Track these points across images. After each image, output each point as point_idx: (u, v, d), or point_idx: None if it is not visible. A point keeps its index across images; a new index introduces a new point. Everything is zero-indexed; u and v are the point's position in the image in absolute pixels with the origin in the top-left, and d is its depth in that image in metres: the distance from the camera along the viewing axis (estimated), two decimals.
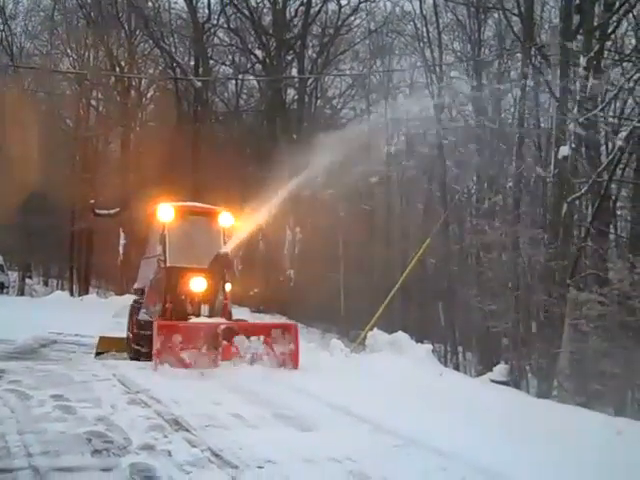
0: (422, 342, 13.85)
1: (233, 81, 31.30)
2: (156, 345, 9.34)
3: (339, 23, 29.13)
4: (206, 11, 29.84)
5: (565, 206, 13.02)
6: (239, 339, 9.74)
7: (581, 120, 12.74)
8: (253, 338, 9.81)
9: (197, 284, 10.50)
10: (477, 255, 18.88)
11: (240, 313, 12.02)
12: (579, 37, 14.14)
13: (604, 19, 14.15)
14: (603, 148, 16.74)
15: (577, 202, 13.72)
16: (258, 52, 29.43)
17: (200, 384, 8.53)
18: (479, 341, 18.43)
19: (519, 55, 17.29)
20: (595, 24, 14.04)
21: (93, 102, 33.68)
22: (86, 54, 31.96)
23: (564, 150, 12.98)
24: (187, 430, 6.10)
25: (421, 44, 22.62)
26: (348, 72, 29.49)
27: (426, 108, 20.97)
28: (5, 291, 30.81)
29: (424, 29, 22.12)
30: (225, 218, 11.36)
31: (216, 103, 31.84)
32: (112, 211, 27.64)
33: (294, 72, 29.53)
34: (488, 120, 18.87)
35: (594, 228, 13.27)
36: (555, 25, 15.28)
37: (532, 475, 5.32)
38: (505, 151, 17.63)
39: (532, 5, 16.34)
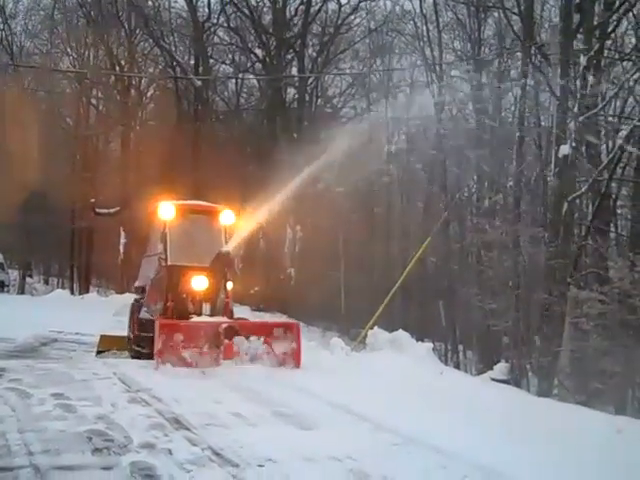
0: (423, 341, 13.85)
1: (233, 80, 31.31)
2: (157, 344, 9.33)
3: (339, 22, 29.13)
4: (206, 10, 29.89)
5: (565, 205, 13.02)
6: (238, 339, 9.73)
7: (581, 119, 12.74)
8: (253, 338, 9.80)
9: (198, 283, 10.48)
10: (477, 254, 18.89)
11: (240, 312, 12.02)
12: (579, 36, 14.14)
13: (604, 18, 14.15)
14: (603, 147, 16.75)
15: (577, 201, 13.73)
16: (258, 51, 29.44)
17: (201, 383, 8.54)
18: (480, 340, 18.43)
19: (519, 54, 17.27)
20: (595, 23, 14.04)
21: (93, 101, 33.72)
22: (86, 53, 31.98)
23: (564, 149, 12.97)
24: (188, 429, 6.10)
25: (421, 43, 22.63)
26: (348, 71, 29.48)
27: (426, 107, 20.97)
28: (5, 290, 30.78)
29: (424, 28, 22.15)
30: (226, 216, 11.34)
31: (216, 102, 31.84)
32: (112, 210, 27.67)
33: (294, 71, 29.54)
34: (488, 119, 18.87)
35: (594, 227, 13.27)
36: (555, 24, 15.24)
37: (532, 474, 5.32)
38: (505, 150, 17.62)
39: (532, 4, 16.32)
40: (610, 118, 16.25)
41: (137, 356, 11.08)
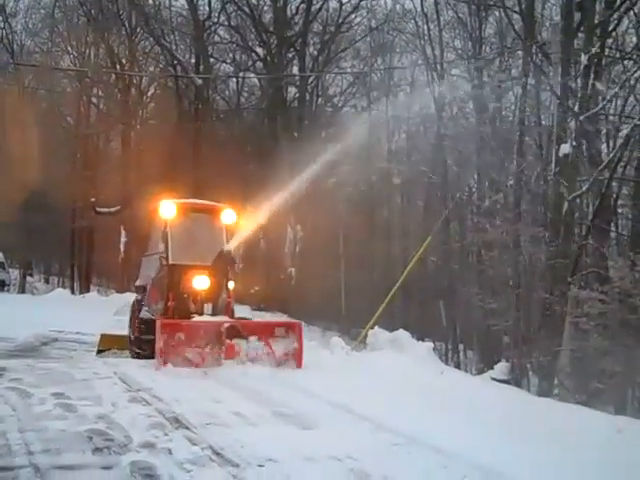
0: (423, 340, 13.85)
1: (234, 79, 31.31)
2: (159, 344, 9.32)
3: (340, 21, 29.11)
4: (207, 9, 29.87)
5: (566, 204, 13.01)
6: (238, 340, 9.70)
7: (582, 118, 12.74)
8: (254, 338, 9.78)
9: (200, 282, 10.46)
10: (478, 253, 18.87)
11: (241, 311, 11.99)
12: (580, 35, 14.13)
13: (605, 17, 14.14)
14: (604, 146, 16.75)
15: (578, 200, 13.71)
16: (259, 50, 29.44)
17: (202, 382, 8.53)
18: (480, 339, 18.42)
19: (520, 53, 17.26)
20: (596, 22, 14.02)
21: (94, 100, 33.73)
22: (87, 52, 32.00)
23: (565, 148, 12.97)
24: (188, 428, 6.10)
25: (422, 42, 22.59)
26: (349, 70, 29.46)
27: (427, 106, 20.98)
28: (6, 289, 30.81)
29: (425, 27, 22.11)
30: (228, 215, 11.31)
31: (217, 101, 31.84)
32: (113, 209, 27.70)
33: (295, 70, 29.55)
34: (489, 118, 18.86)
35: (595, 226, 13.26)
36: (556, 23, 15.24)
37: (532, 474, 5.32)
38: (506, 149, 17.61)
39: (533, 3, 16.32)
40: (611, 117, 16.25)
41: (138, 355, 11.07)
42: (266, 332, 9.94)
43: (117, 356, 11.95)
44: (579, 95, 12.86)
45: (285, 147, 23.84)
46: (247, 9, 28.77)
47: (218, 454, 5.33)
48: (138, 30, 31.15)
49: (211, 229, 11.35)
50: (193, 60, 30.58)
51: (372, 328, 13.46)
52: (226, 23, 30.22)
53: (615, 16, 14.70)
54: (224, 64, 31.92)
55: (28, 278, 33.41)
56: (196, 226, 11.34)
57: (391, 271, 20.29)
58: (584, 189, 13.21)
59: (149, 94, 33.59)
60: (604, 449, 6.02)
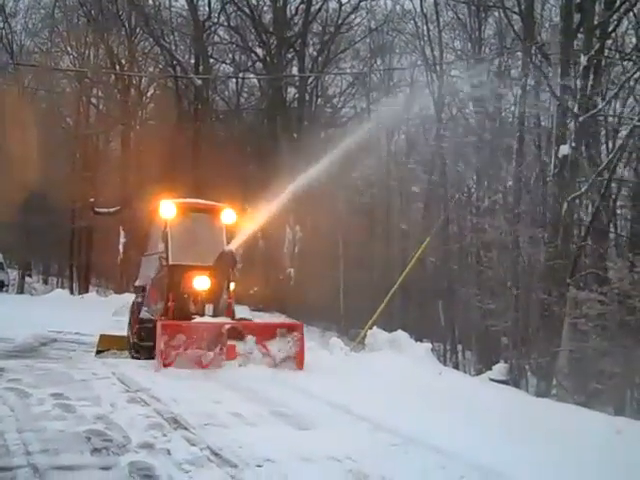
0: (422, 341, 13.84)
1: (233, 79, 31.28)
2: (159, 345, 9.30)
3: (339, 21, 29.09)
4: (206, 9, 29.85)
5: (565, 205, 13.01)
6: (238, 341, 9.68)
7: (581, 119, 12.74)
8: (255, 339, 9.75)
9: (200, 282, 10.44)
10: (477, 254, 18.87)
11: (240, 311, 11.99)
12: (580, 35, 14.13)
13: (605, 17, 14.14)
14: (603, 147, 16.74)
15: (577, 201, 13.71)
16: (258, 50, 29.40)
17: (200, 383, 8.53)
18: (478, 340, 18.41)
19: (519, 54, 17.26)
20: (596, 22, 14.02)
21: (93, 100, 33.74)
22: (86, 52, 32.01)
23: (564, 149, 12.97)
24: (186, 429, 6.10)
25: (421, 42, 22.58)
26: (349, 70, 29.45)
27: (426, 107, 20.98)
28: (5, 289, 30.81)
29: (424, 27, 22.10)
30: (228, 215, 11.31)
31: (216, 101, 31.82)
32: (112, 209, 27.67)
33: (294, 70, 29.52)
34: (488, 119, 18.85)
35: (594, 227, 13.26)
36: (556, 24, 15.24)
37: (532, 474, 5.32)
38: (505, 150, 17.61)
39: (532, 3, 16.31)
40: (610, 118, 16.25)
41: (137, 356, 11.06)
42: (268, 333, 9.91)
43: (116, 357, 11.93)
44: (578, 96, 12.87)
45: (284, 147, 23.84)
46: (247, 9, 28.75)
47: (216, 454, 5.33)
48: (138, 30, 31.16)
49: (211, 229, 11.34)
50: (193, 60, 30.57)
51: (371, 328, 13.47)
52: (226, 23, 30.21)
53: (615, 17, 14.69)
54: (224, 64, 31.95)
55: (27, 278, 33.40)
56: (196, 226, 11.33)
57: (390, 272, 20.27)
58: (583, 190, 13.21)
59: (149, 94, 33.61)
60: (603, 449, 6.02)
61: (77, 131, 32.32)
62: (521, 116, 16.24)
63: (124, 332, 12.42)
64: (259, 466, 5.08)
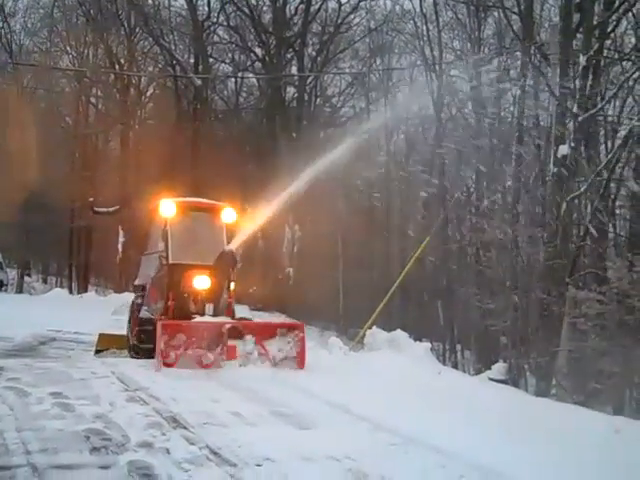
0: (421, 340, 13.84)
1: (233, 79, 31.28)
2: (159, 345, 9.28)
3: (339, 21, 29.09)
4: (206, 9, 29.85)
5: (564, 205, 13.01)
6: (237, 341, 9.67)
7: (581, 119, 12.74)
8: (256, 339, 9.74)
9: (201, 282, 10.43)
10: (476, 254, 18.87)
11: (240, 311, 11.98)
12: (579, 36, 14.13)
13: (604, 18, 14.13)
14: (602, 147, 16.73)
15: (576, 201, 13.71)
16: (258, 50, 29.41)
17: (200, 383, 8.53)
18: (478, 339, 18.40)
19: (519, 54, 17.26)
20: (595, 23, 14.02)
21: (92, 100, 33.69)
22: (85, 51, 31.96)
23: (563, 149, 12.96)
24: (185, 428, 6.10)
25: (421, 42, 22.56)
26: (348, 70, 29.45)
27: (426, 106, 20.97)
28: (4, 289, 30.77)
29: (424, 27, 22.06)
30: (228, 214, 11.30)
31: (216, 101, 31.82)
32: (111, 209, 27.66)
33: (294, 70, 29.52)
34: (487, 118, 18.85)
35: (593, 227, 13.26)
36: (555, 24, 15.22)
37: (531, 473, 5.32)
38: (504, 149, 17.61)
39: (532, 3, 16.31)
40: (609, 118, 16.25)
41: (136, 355, 11.05)
42: (268, 333, 9.90)
43: (115, 356, 11.94)
44: (577, 96, 12.86)
45: (284, 147, 23.85)
46: (246, 9, 28.76)
47: (216, 454, 5.33)
48: (137, 30, 31.14)
49: (211, 228, 11.34)
50: (192, 60, 30.57)
51: (370, 328, 13.46)
52: (225, 23, 30.22)
53: (614, 17, 14.69)
54: (223, 64, 31.95)
55: (26, 278, 33.36)
56: (196, 225, 11.32)
57: (389, 271, 20.28)
58: (582, 190, 13.21)
59: (148, 94, 33.58)
60: (603, 449, 6.03)
61: (76, 130, 32.27)
62: (520, 116, 16.25)
63: (123, 331, 12.42)
64: (258, 465, 5.08)
